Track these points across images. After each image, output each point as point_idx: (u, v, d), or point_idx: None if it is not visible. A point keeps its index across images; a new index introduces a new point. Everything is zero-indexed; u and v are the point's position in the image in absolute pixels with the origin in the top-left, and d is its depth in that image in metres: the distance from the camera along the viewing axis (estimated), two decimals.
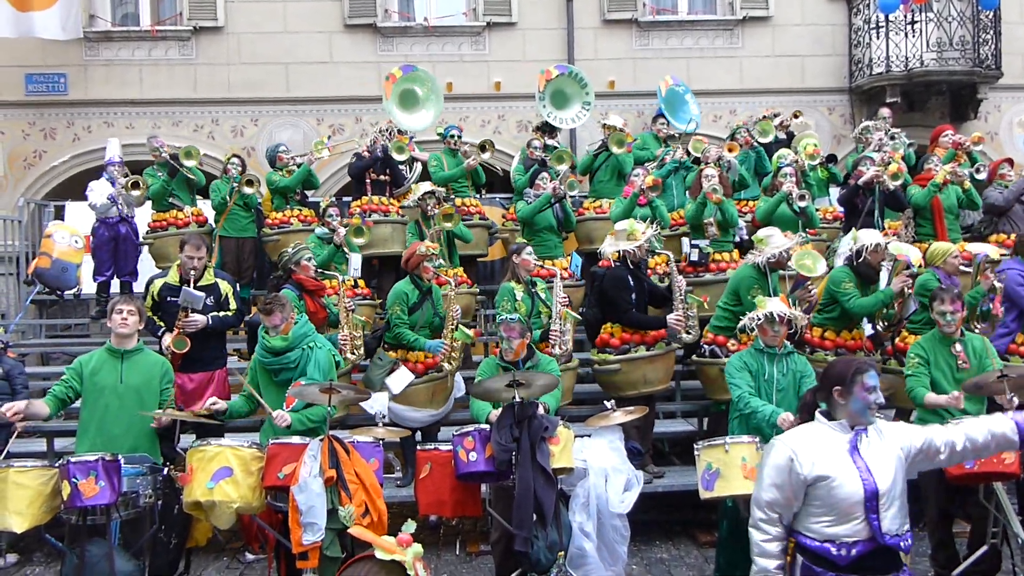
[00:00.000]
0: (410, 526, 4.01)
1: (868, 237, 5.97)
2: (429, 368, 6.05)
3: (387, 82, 9.10)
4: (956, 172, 7.59)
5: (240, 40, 11.50)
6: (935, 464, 3.17)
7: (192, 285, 5.76)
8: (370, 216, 7.93)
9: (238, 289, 6.28)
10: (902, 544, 2.93)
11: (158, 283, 5.95)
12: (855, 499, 2.87)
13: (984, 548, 4.70)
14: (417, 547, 3.09)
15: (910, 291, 5.85)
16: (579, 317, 6.48)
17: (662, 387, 6.27)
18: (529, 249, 6.21)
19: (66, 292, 9.48)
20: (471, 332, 6.17)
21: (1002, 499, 4.67)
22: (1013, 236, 7.23)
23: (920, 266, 6.02)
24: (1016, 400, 4.62)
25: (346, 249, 7.23)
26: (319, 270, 6.36)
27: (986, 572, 4.79)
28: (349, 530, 4.21)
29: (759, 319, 4.86)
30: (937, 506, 4.93)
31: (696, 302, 6.19)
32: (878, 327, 6.04)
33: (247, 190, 8.17)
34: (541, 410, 4.71)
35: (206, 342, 5.86)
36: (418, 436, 6.11)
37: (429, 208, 7.32)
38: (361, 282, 7.36)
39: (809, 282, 5.92)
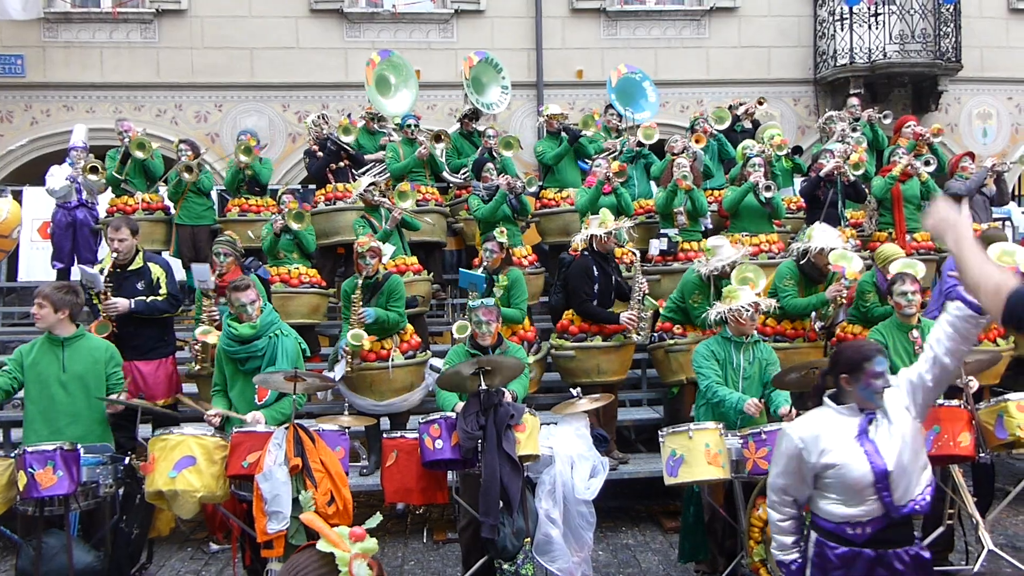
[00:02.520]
0: (373, 520, 3.92)
1: (818, 239, 5.97)
2: (381, 358, 5.91)
3: (367, 68, 8.96)
4: (912, 164, 7.72)
5: (204, 24, 11.31)
6: (948, 377, 3.04)
7: (122, 269, 5.66)
8: (335, 204, 7.84)
9: (174, 274, 6.11)
10: (916, 507, 2.98)
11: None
12: (865, 482, 2.91)
13: (941, 529, 4.81)
14: (370, 543, 2.95)
15: (843, 301, 5.91)
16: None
17: (616, 378, 6.30)
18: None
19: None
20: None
21: (958, 481, 4.79)
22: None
23: (854, 279, 5.86)
24: (974, 382, 4.75)
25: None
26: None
27: (940, 552, 4.91)
28: (300, 517, 4.09)
29: (732, 311, 4.89)
30: None
31: (652, 307, 6.25)
32: (815, 327, 6.11)
33: (186, 176, 7.79)
34: (509, 397, 4.71)
35: (143, 329, 5.66)
36: (386, 424, 6.08)
37: (374, 199, 7.18)
38: (315, 271, 7.27)
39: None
